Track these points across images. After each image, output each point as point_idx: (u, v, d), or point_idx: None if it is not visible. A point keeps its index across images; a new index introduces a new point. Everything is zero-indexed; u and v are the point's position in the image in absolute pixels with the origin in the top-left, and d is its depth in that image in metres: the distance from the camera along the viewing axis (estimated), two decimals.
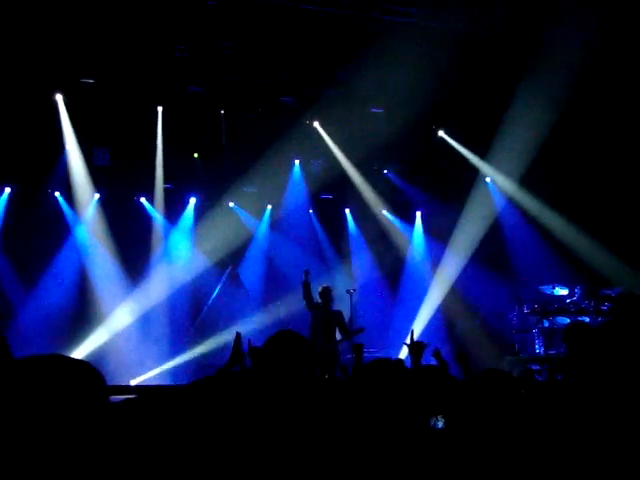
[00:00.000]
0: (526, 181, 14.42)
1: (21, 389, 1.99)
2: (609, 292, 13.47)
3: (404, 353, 11.43)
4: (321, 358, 10.11)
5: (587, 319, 13.55)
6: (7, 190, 13.58)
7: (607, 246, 13.68)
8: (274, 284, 15.08)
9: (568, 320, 13.52)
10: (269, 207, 15.45)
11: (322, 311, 10.60)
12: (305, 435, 2.64)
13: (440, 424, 3.52)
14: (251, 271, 15.38)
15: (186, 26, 11.17)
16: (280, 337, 3.29)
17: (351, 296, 12.29)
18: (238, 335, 5.04)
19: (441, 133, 14.81)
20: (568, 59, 11.87)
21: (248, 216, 15.33)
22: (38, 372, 2.10)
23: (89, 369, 2.24)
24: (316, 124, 14.30)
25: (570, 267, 14.06)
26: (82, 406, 2.12)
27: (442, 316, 14.84)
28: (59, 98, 12.91)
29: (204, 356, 13.43)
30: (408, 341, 6.51)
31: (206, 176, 14.55)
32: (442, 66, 11.98)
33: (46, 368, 2.13)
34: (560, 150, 13.73)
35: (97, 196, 14.23)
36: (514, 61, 12.39)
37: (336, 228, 15.74)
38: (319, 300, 10.71)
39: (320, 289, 10.87)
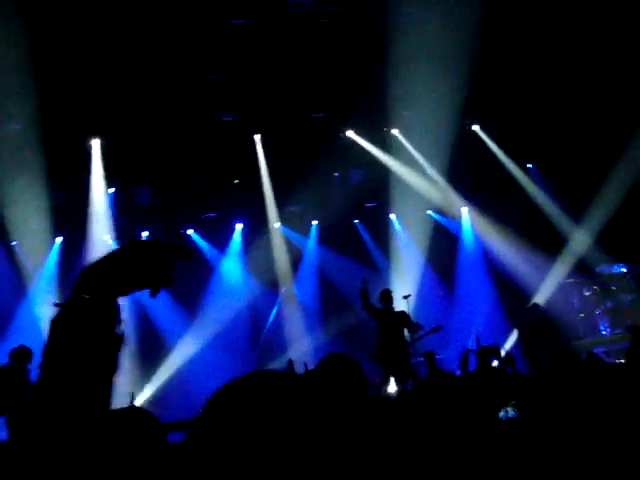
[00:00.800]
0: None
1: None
2: None
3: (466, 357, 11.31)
4: (392, 362, 10.14)
5: None
6: (58, 240, 13.88)
7: None
8: (330, 298, 15.10)
9: (631, 297, 13.26)
10: (315, 223, 15.50)
11: (385, 315, 10.61)
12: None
13: (511, 413, 3.47)
14: (305, 288, 15.44)
15: (208, 56, 11.31)
16: (331, 360, 3.28)
17: (408, 301, 12.24)
18: (290, 362, 5.06)
19: (475, 128, 14.64)
20: None
21: (295, 234, 15.42)
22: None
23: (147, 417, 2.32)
24: (350, 133, 14.26)
25: (626, 244, 13.74)
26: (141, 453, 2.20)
27: (502, 309, 14.64)
28: (95, 143, 13.10)
29: None
30: (472, 346, 6.50)
31: (249, 201, 14.67)
32: (466, 61, 11.92)
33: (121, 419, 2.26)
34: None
35: (145, 234, 14.49)
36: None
37: (384, 234, 15.69)
38: (379, 305, 10.72)
39: (379, 293, 10.93)
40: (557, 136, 13.43)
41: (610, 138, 13.24)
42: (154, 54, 10.95)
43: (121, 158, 13.15)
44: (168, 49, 10.94)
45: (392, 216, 15.78)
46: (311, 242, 15.57)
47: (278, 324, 14.92)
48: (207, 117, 12.85)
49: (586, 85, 12.44)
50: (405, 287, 14.30)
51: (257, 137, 13.97)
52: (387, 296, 10.79)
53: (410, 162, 14.65)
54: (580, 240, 14.32)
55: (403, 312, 10.89)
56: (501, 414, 3.44)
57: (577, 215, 14.36)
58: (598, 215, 14.02)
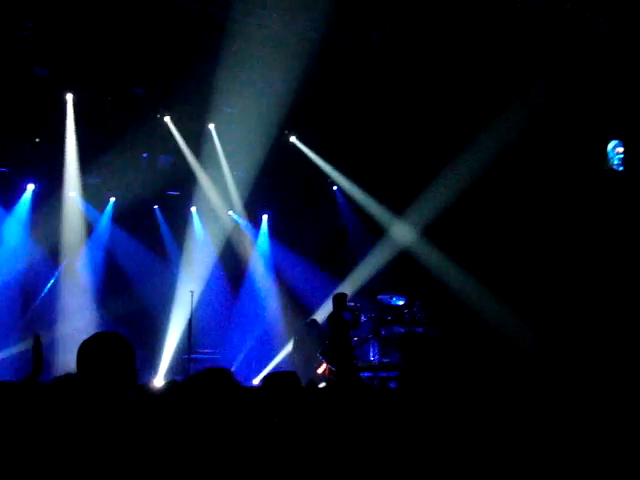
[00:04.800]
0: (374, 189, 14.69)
1: None
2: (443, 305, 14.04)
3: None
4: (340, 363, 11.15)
5: (421, 330, 14.04)
6: None
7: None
8: (113, 279, 14.60)
9: (403, 330, 13.92)
10: (112, 199, 14.92)
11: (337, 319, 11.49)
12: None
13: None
14: (90, 265, 14.81)
15: (38, 4, 10.59)
16: (96, 340, 3.12)
17: (192, 296, 12.14)
18: (37, 338, 4.51)
19: (293, 139, 14.84)
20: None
21: (90, 207, 14.75)
22: None
23: None
24: (167, 119, 13.93)
25: (409, 279, 14.45)
26: None
27: (282, 320, 14.86)
28: None
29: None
30: None
31: (47, 162, 13.84)
32: (298, 71, 12.07)
33: None
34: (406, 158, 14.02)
35: None
36: (363, 71, 12.60)
37: (181, 225, 15.41)
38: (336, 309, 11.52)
39: (336, 297, 11.73)
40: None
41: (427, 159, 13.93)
42: None
43: None
44: None
45: (193, 209, 15.55)
46: (105, 218, 14.96)
47: (53, 297, 14.18)
48: (20, 67, 11.99)
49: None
50: (191, 281, 14.20)
51: (69, 97, 13.18)
52: (343, 301, 11.54)
53: (219, 161, 14.56)
54: (367, 265, 14.87)
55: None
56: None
57: (371, 241, 14.93)
58: (388, 247, 14.68)
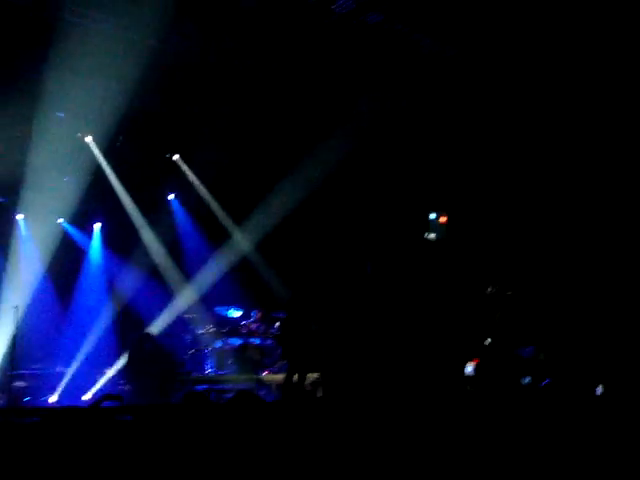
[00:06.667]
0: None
1: None
2: (279, 315, 14.12)
3: None
4: None
5: (257, 340, 14.06)
6: None
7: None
8: None
9: (240, 341, 13.89)
10: None
11: None
12: None
13: None
14: None
15: None
16: None
17: (17, 311, 11.56)
18: None
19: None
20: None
21: None
22: None
23: None
24: None
25: (247, 290, 14.42)
26: None
27: (115, 333, 14.34)
28: None
29: None
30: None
31: None
32: (133, 78, 11.73)
33: None
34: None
35: None
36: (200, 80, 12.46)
37: (6, 234, 14.45)
38: None
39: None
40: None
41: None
42: None
43: None
44: None
45: (19, 217, 14.65)
46: None
47: None
48: None
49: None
50: (16, 295, 13.40)
51: None
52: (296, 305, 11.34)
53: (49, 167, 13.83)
54: (204, 277, 14.71)
55: None
56: None
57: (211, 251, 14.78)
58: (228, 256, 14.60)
